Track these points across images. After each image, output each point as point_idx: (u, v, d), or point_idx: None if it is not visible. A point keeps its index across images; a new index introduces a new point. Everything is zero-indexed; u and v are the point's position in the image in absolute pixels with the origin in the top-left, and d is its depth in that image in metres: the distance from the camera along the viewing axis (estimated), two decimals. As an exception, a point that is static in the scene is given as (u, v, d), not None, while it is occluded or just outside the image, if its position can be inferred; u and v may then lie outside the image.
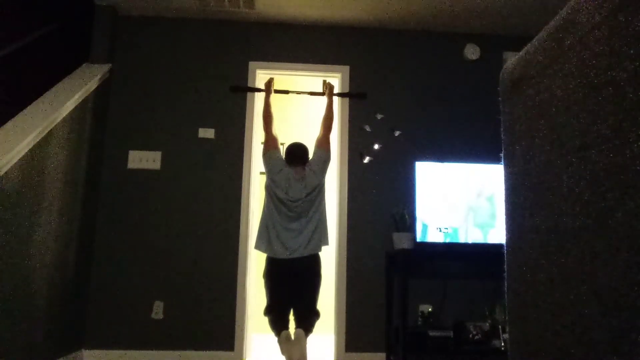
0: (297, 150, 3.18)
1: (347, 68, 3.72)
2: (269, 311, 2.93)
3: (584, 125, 0.71)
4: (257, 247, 3.02)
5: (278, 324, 2.87)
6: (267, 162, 3.11)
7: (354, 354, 3.34)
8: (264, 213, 3.03)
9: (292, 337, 2.78)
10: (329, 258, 3.70)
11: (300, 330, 2.78)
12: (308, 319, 2.90)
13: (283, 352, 2.78)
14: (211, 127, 3.57)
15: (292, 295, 2.95)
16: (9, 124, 2.53)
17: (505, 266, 0.98)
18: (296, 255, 2.90)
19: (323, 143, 3.17)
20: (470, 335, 3.15)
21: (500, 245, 1.04)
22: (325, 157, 3.14)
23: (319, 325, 4.46)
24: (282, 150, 3.32)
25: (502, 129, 1.03)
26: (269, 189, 3.05)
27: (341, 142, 3.63)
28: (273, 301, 2.93)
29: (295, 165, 3.10)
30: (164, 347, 3.25)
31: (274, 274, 2.95)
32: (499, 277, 1.06)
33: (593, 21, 0.69)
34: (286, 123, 4.57)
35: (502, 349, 3.04)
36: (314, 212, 3.00)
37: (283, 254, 2.91)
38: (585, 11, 0.71)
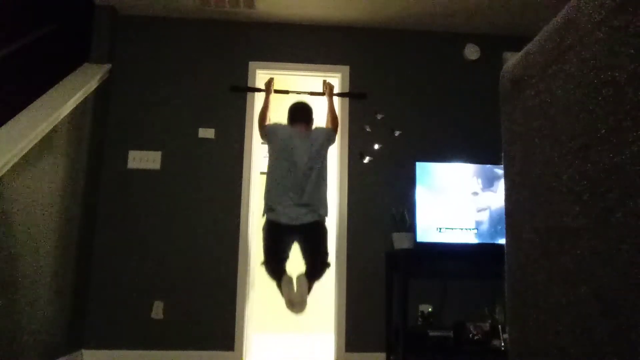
0: (300, 107, 3.20)
1: (347, 68, 3.72)
2: (266, 262, 2.92)
3: (584, 125, 0.71)
4: (263, 213, 3.00)
5: (277, 271, 2.85)
6: (267, 132, 3.12)
7: (354, 354, 3.34)
8: (267, 180, 3.03)
9: (294, 282, 2.75)
10: (329, 258, 3.70)
11: (303, 277, 2.76)
12: (319, 271, 2.91)
13: (283, 293, 2.76)
14: (211, 127, 3.57)
15: (301, 252, 2.95)
16: (9, 124, 2.53)
17: (505, 266, 0.98)
18: (299, 222, 2.87)
19: (330, 123, 3.22)
20: (470, 335, 3.15)
21: (500, 245, 1.04)
22: (329, 135, 3.15)
23: (319, 325, 4.47)
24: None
25: (502, 129, 1.03)
26: (272, 153, 3.06)
27: (341, 142, 3.63)
28: (270, 257, 2.91)
29: (299, 122, 3.12)
30: (164, 347, 3.25)
31: (274, 232, 2.92)
32: (499, 277, 1.06)
33: (593, 21, 0.69)
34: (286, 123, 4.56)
35: (502, 349, 3.04)
36: (316, 177, 2.98)
37: (285, 221, 2.88)
38: (585, 11, 0.71)
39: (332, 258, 3.57)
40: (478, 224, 3.29)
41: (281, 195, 2.93)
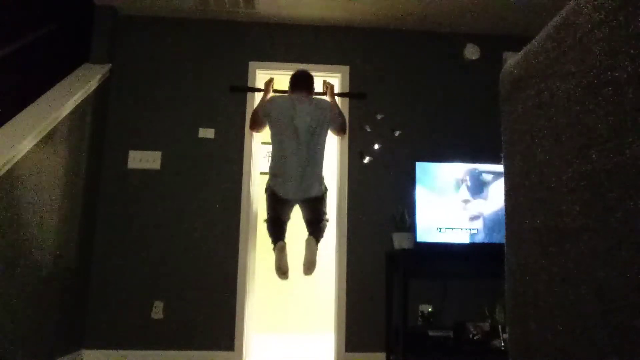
0: (300, 74, 3.28)
1: (347, 68, 3.72)
2: (267, 221, 3.09)
3: (584, 125, 0.71)
4: (268, 181, 3.13)
5: (275, 233, 3.04)
6: (265, 108, 3.19)
7: (354, 354, 3.34)
8: (271, 157, 3.13)
9: (305, 246, 2.97)
10: (329, 258, 3.70)
11: (311, 237, 2.98)
12: (320, 231, 3.08)
13: (275, 258, 2.95)
14: (211, 127, 3.57)
15: (302, 213, 3.16)
16: (9, 124, 2.53)
17: (505, 266, 0.98)
18: (298, 197, 3.03)
19: (337, 126, 3.32)
20: (470, 335, 3.15)
21: (500, 245, 1.04)
22: (333, 115, 3.22)
23: (319, 325, 4.46)
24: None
25: (502, 129, 1.03)
26: (273, 126, 3.13)
27: (341, 142, 3.63)
28: (271, 219, 3.07)
29: (300, 90, 3.20)
30: (164, 347, 3.25)
31: (275, 199, 3.06)
32: (499, 277, 1.06)
33: (593, 21, 0.69)
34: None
35: (502, 349, 3.04)
36: (315, 149, 3.08)
37: (287, 197, 3.02)
38: (585, 11, 0.71)
39: (332, 258, 3.58)
40: (478, 224, 3.29)
41: (283, 166, 3.03)
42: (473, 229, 3.27)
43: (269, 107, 3.20)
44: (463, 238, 3.26)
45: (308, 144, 3.06)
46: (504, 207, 1.01)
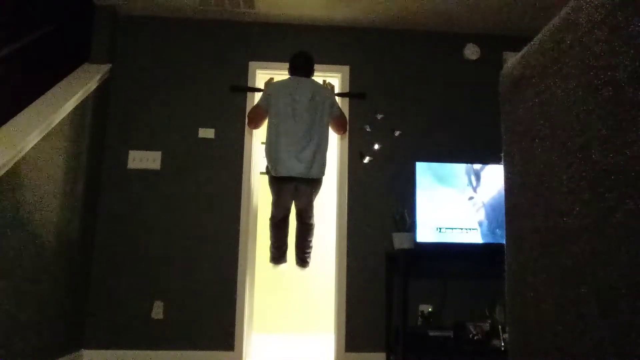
0: (302, 58, 3.32)
1: (347, 68, 3.72)
2: (271, 216, 3.26)
3: (584, 125, 0.71)
4: (267, 170, 3.19)
5: (276, 243, 3.27)
6: (266, 96, 3.22)
7: (354, 354, 3.34)
8: (267, 136, 3.14)
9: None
10: (329, 258, 3.70)
11: (300, 267, 3.33)
12: (307, 241, 3.28)
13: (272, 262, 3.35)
14: (211, 127, 3.57)
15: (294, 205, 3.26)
16: (9, 124, 2.53)
17: (505, 266, 0.98)
18: (298, 175, 3.06)
19: (338, 126, 3.35)
20: (470, 335, 3.15)
21: (500, 245, 1.04)
22: (333, 110, 3.24)
23: (319, 325, 4.46)
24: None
25: (502, 129, 1.03)
26: (272, 108, 3.14)
27: (341, 142, 3.63)
28: (275, 205, 3.21)
29: (300, 73, 3.26)
30: (164, 347, 3.25)
31: (275, 180, 3.13)
32: (499, 277, 1.06)
33: (593, 21, 0.69)
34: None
35: (502, 349, 3.04)
36: (316, 128, 3.10)
37: (285, 173, 3.05)
38: (585, 11, 0.71)
39: (332, 258, 3.58)
40: (478, 224, 3.29)
41: (278, 144, 3.06)
42: (474, 228, 3.27)
43: (268, 90, 3.23)
44: (463, 238, 3.26)
45: (307, 121, 3.08)
46: (504, 207, 1.01)
